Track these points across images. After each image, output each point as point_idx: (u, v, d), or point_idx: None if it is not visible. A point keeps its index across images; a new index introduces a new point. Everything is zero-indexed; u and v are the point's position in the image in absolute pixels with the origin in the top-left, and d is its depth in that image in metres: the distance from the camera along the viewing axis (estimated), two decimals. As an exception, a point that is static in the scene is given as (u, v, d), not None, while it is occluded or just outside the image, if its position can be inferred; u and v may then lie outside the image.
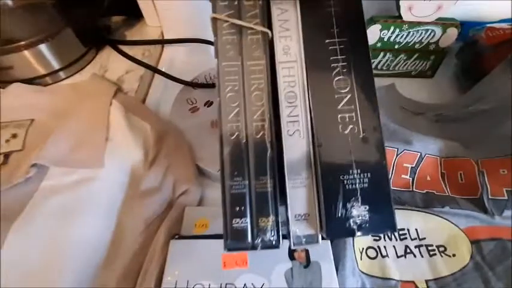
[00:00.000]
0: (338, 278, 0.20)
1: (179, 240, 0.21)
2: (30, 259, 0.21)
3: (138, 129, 0.29)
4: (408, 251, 0.24)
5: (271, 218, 0.14)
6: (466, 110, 0.31)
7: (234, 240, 0.14)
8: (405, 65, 0.37)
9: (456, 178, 0.27)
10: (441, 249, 0.24)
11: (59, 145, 0.26)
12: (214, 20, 0.16)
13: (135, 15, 0.42)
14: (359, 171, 0.14)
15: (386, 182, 0.14)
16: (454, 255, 0.24)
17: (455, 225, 0.25)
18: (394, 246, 0.24)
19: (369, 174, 0.14)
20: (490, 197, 0.25)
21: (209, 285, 0.19)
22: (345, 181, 0.14)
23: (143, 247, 0.22)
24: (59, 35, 0.33)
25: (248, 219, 0.14)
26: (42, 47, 0.32)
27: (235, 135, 0.14)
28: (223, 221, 0.14)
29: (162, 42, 0.40)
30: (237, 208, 0.14)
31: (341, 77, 0.15)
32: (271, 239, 0.14)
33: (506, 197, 0.25)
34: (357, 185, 0.14)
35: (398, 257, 0.24)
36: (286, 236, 0.14)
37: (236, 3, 0.16)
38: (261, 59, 0.15)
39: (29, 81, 0.33)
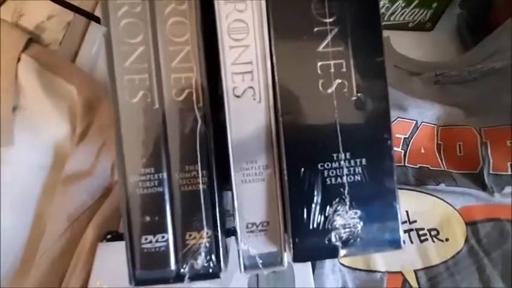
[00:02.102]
0: (315, 278, 0.17)
1: (107, 244, 0.16)
2: None
3: (60, 94, 0.22)
4: (396, 237, 0.21)
5: (205, 231, 0.09)
6: (470, 70, 0.26)
7: (147, 269, 0.09)
8: (402, 14, 0.31)
9: (454, 150, 0.24)
10: (433, 233, 0.21)
11: None
12: None
13: None
14: (348, 156, 0.09)
15: (390, 174, 0.09)
16: (447, 239, 0.21)
17: (450, 205, 0.22)
18: (380, 232, 0.21)
19: (363, 161, 0.09)
20: (491, 171, 0.22)
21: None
22: (326, 172, 0.09)
23: (66, 250, 0.17)
24: None
25: (169, 235, 0.09)
26: None
27: (139, 97, 0.09)
28: (125, 239, 0.09)
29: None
30: (149, 218, 0.09)
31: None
32: (206, 264, 0.09)
33: (510, 172, 0.22)
34: (345, 177, 0.09)
35: (384, 244, 0.20)
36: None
37: None
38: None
39: None
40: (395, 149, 0.24)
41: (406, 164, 0.24)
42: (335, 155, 0.09)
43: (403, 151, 0.24)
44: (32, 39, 0.24)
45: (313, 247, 0.09)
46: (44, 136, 0.21)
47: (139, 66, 0.09)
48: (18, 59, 0.22)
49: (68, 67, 0.24)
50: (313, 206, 0.09)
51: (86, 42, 0.28)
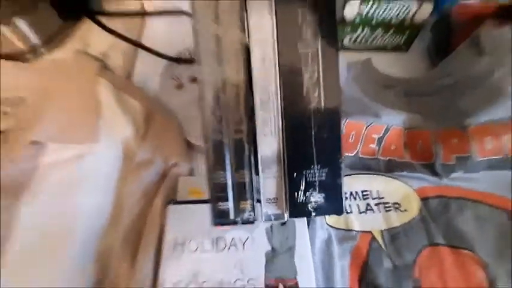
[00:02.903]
0: (309, 231, 0.25)
1: (175, 205, 0.24)
2: (44, 224, 0.24)
3: (128, 107, 0.30)
4: (369, 208, 0.29)
5: (249, 201, 0.18)
6: (431, 85, 0.34)
7: (219, 218, 0.18)
8: (382, 39, 0.39)
9: (415, 147, 0.31)
10: (396, 205, 0.29)
11: (53, 123, 0.27)
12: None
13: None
14: (318, 166, 0.18)
15: (339, 176, 0.18)
16: (405, 210, 0.28)
17: (409, 186, 0.29)
18: (357, 205, 0.29)
19: (326, 169, 0.18)
20: (441, 162, 0.30)
21: (202, 240, 0.23)
22: (307, 174, 0.19)
23: (142, 213, 0.26)
24: (34, 7, 0.32)
25: (231, 203, 0.18)
26: (20, 23, 0.31)
27: (216, 135, 0.17)
28: (210, 202, 0.18)
29: (145, 14, 0.39)
30: (221, 194, 0.18)
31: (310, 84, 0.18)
32: (249, 217, 0.18)
33: (454, 162, 0.29)
34: (316, 177, 0.18)
35: (360, 213, 0.28)
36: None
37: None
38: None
39: (10, 57, 0.33)
40: (371, 145, 0.32)
41: (379, 157, 0.31)
42: (312, 165, 0.18)
43: (377, 147, 0.32)
44: (103, 66, 0.32)
45: (299, 211, 0.19)
46: (117, 136, 0.29)
47: (217, 125, 0.17)
48: (98, 82, 0.30)
49: (131, 87, 0.32)
50: (300, 191, 0.18)
51: (136, 65, 0.37)
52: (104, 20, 0.37)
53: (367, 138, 0.32)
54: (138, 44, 0.37)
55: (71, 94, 0.29)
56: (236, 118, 0.17)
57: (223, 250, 0.22)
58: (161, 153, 0.29)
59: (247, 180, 0.18)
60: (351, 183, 0.30)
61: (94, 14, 0.37)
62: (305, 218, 0.25)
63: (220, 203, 0.18)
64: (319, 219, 0.26)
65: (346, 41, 0.39)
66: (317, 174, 0.19)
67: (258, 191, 0.19)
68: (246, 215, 0.19)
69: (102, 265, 0.24)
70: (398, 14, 0.36)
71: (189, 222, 0.23)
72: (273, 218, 0.19)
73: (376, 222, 0.28)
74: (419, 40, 0.40)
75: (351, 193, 0.29)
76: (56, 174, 0.26)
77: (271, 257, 0.23)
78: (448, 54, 0.35)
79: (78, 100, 0.29)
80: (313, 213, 0.20)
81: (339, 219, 0.28)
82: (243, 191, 0.18)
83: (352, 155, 0.31)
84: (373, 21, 0.36)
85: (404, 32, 0.38)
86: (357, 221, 0.28)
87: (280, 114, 0.18)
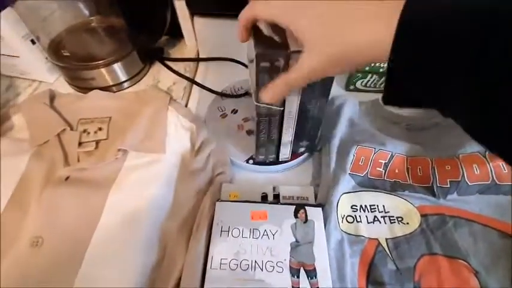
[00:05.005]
0: (325, 231, 0.31)
1: (222, 202, 0.32)
2: (124, 209, 0.32)
3: (187, 128, 0.40)
4: (376, 219, 0.34)
5: None
6: (428, 121, 0.41)
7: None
8: (388, 84, 0.47)
9: (416, 171, 0.38)
10: (399, 219, 0.34)
11: (135, 136, 0.37)
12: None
13: (177, 35, 0.53)
14: None
15: None
16: (407, 223, 0.34)
17: (411, 203, 0.35)
18: (366, 216, 0.34)
19: None
20: (438, 185, 0.35)
21: (242, 229, 0.30)
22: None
23: (194, 208, 0.33)
24: (127, 55, 0.44)
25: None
26: (115, 66, 0.43)
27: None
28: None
29: (199, 60, 0.51)
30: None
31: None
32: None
33: (449, 186, 0.35)
34: None
35: (368, 223, 0.34)
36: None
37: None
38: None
39: (102, 89, 0.44)
40: (378, 168, 0.38)
41: (385, 179, 0.38)
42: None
43: (383, 170, 0.38)
44: (170, 97, 0.43)
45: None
46: (178, 149, 0.38)
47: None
48: (167, 109, 0.40)
49: (189, 113, 0.42)
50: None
51: (191, 97, 0.47)
52: (170, 63, 0.48)
53: (375, 162, 0.38)
54: (193, 82, 0.48)
55: (147, 116, 0.39)
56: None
57: (258, 238, 0.29)
58: (210, 163, 0.37)
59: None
60: (361, 198, 0.36)
61: (163, 59, 0.49)
62: (322, 220, 0.31)
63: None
64: (333, 222, 0.32)
65: (358, 84, 0.48)
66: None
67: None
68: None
69: (163, 245, 0.31)
70: (401, 65, 0.44)
71: (232, 215, 0.31)
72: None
73: (381, 231, 0.33)
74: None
75: (361, 206, 0.35)
76: (135, 174, 0.35)
77: (295, 246, 0.29)
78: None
79: (152, 121, 0.39)
80: None
81: (350, 226, 0.33)
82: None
83: (362, 175, 0.38)
84: (381, 70, 0.45)
85: (407, 79, 0.47)
86: (365, 229, 0.33)
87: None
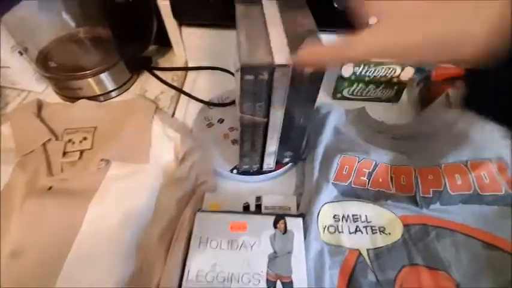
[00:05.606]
0: (305, 242, 0.31)
1: (202, 213, 0.32)
2: (104, 220, 0.32)
3: (171, 137, 0.40)
4: (358, 229, 0.34)
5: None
6: (412, 131, 0.41)
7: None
8: (374, 92, 0.48)
9: (400, 180, 0.37)
10: (381, 229, 0.34)
11: (118, 147, 0.37)
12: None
13: (166, 44, 0.53)
14: None
15: None
16: (389, 233, 0.33)
17: (393, 213, 0.35)
18: (348, 226, 0.34)
19: None
20: (421, 194, 0.35)
21: (221, 240, 0.29)
22: None
23: (175, 217, 0.33)
24: (115, 65, 0.44)
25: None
26: (102, 75, 0.44)
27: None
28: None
29: (187, 69, 0.52)
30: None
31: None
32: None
33: (431, 195, 0.35)
34: None
35: (350, 233, 0.34)
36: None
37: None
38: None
39: (90, 98, 0.45)
40: (362, 177, 0.38)
41: (369, 188, 0.37)
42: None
43: (367, 179, 0.38)
44: (156, 106, 0.43)
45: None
46: (161, 159, 0.38)
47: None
48: (152, 119, 0.41)
49: (175, 122, 0.42)
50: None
51: (178, 106, 0.48)
52: (158, 72, 0.49)
53: (358, 171, 0.38)
54: (181, 91, 0.48)
55: (132, 126, 0.40)
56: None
57: (236, 249, 0.29)
58: (194, 172, 0.37)
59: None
60: (344, 208, 0.36)
61: (151, 69, 0.49)
62: (302, 231, 0.31)
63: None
64: (313, 233, 0.32)
65: (345, 92, 0.49)
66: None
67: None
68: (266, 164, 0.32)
69: (142, 255, 0.31)
70: (385, 74, 0.45)
71: (212, 226, 0.31)
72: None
73: (363, 242, 0.33)
74: (408, 93, 0.49)
75: (343, 216, 0.35)
76: (117, 184, 0.35)
77: (273, 258, 0.29)
78: (428, 105, 0.43)
79: (137, 131, 0.39)
80: None
81: (331, 237, 0.33)
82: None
83: (346, 184, 0.38)
84: (366, 79, 0.46)
85: (393, 87, 0.47)
86: (347, 240, 0.33)
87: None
